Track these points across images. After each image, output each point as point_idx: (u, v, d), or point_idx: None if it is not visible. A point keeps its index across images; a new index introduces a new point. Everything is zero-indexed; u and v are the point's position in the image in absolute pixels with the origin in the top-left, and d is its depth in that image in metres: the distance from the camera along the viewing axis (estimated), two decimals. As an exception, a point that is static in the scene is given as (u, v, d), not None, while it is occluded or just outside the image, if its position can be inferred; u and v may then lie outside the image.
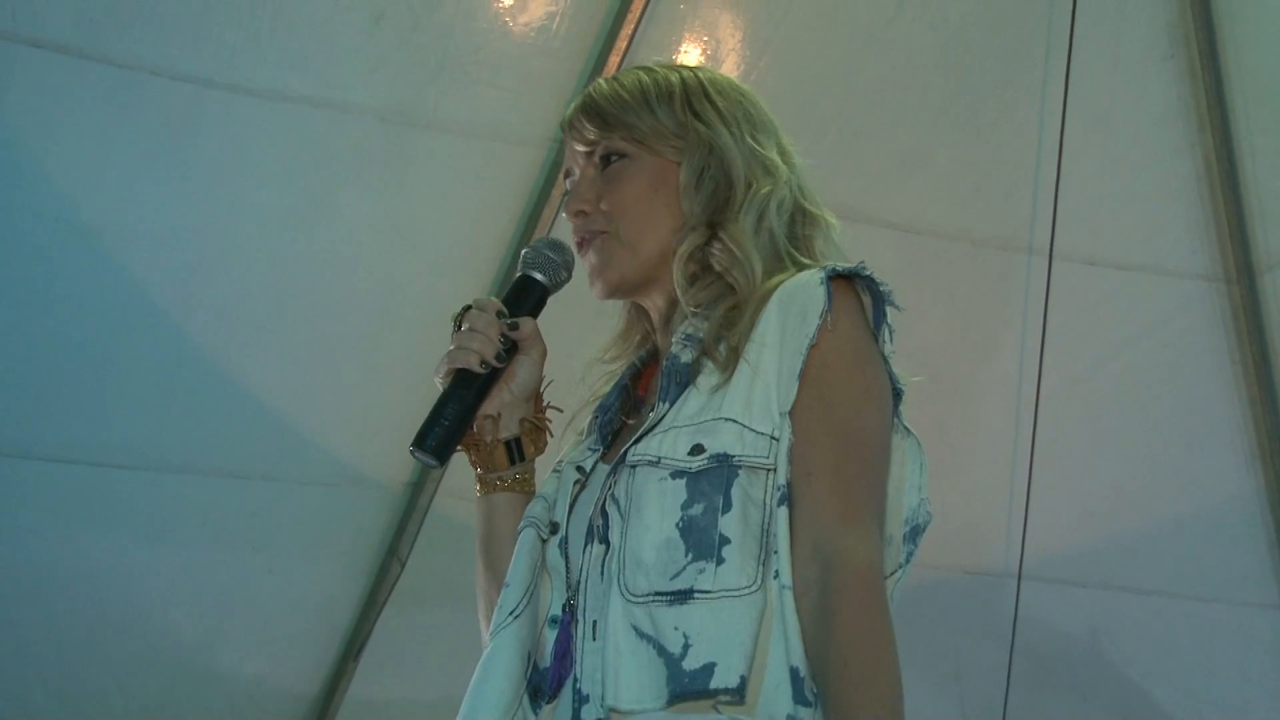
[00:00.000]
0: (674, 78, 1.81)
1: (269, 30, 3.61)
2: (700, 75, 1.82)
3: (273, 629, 4.49)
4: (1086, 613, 4.68)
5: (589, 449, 1.79)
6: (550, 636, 1.67)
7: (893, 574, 1.64)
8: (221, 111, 3.69)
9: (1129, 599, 4.65)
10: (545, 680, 1.66)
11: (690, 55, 3.96)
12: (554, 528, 1.73)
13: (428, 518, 4.38)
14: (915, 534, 1.67)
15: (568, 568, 1.69)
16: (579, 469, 1.76)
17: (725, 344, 1.66)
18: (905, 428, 1.69)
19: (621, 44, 3.85)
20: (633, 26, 3.84)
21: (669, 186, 1.77)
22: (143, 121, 3.66)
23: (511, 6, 3.75)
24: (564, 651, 1.65)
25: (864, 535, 1.54)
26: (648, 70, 1.83)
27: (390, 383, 4.13)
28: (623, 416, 1.82)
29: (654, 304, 1.82)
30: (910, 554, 1.67)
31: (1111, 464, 4.52)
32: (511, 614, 1.69)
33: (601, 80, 1.85)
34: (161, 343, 3.91)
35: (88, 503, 4.09)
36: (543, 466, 1.89)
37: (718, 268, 1.72)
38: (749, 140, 1.77)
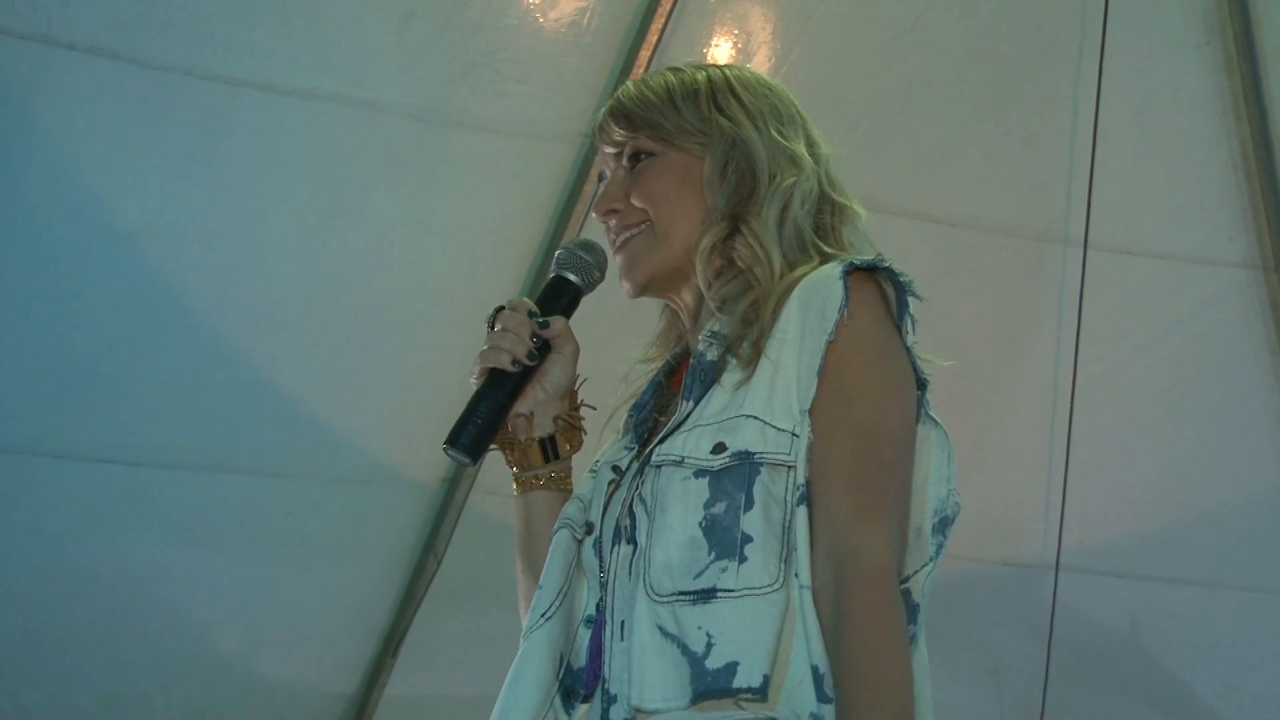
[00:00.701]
0: (700, 76, 1.81)
1: (300, 30, 3.63)
2: (727, 73, 1.82)
3: (311, 627, 4.51)
4: (1125, 604, 4.66)
5: (625, 448, 1.79)
6: (585, 636, 1.68)
7: (923, 568, 1.62)
8: (254, 112, 3.71)
9: (1168, 590, 4.63)
10: (579, 680, 1.67)
11: (721, 49, 3.96)
12: (589, 528, 1.73)
13: (464, 514, 4.39)
14: (944, 525, 1.65)
15: (601, 568, 1.69)
16: (614, 468, 1.76)
17: (747, 340, 1.66)
18: (932, 418, 1.67)
19: (652, 39, 3.85)
20: (663, 21, 3.84)
21: (694, 181, 1.77)
22: (177, 123, 3.68)
23: (541, 3, 3.75)
24: (597, 651, 1.65)
25: (878, 534, 1.53)
26: (675, 71, 1.84)
27: (424, 381, 4.14)
28: (656, 414, 1.81)
29: (683, 301, 1.81)
30: (940, 546, 1.64)
31: (1149, 455, 4.49)
32: (543, 616, 1.70)
33: (630, 83, 1.85)
34: (198, 344, 3.94)
35: (126, 503, 4.12)
36: (580, 466, 1.89)
37: (740, 263, 1.72)
38: (773, 133, 1.77)
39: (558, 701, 1.66)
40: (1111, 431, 4.42)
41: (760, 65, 3.93)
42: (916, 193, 4.16)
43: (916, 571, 1.61)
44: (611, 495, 1.73)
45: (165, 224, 3.78)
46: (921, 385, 1.66)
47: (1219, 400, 4.44)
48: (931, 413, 1.67)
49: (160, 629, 4.31)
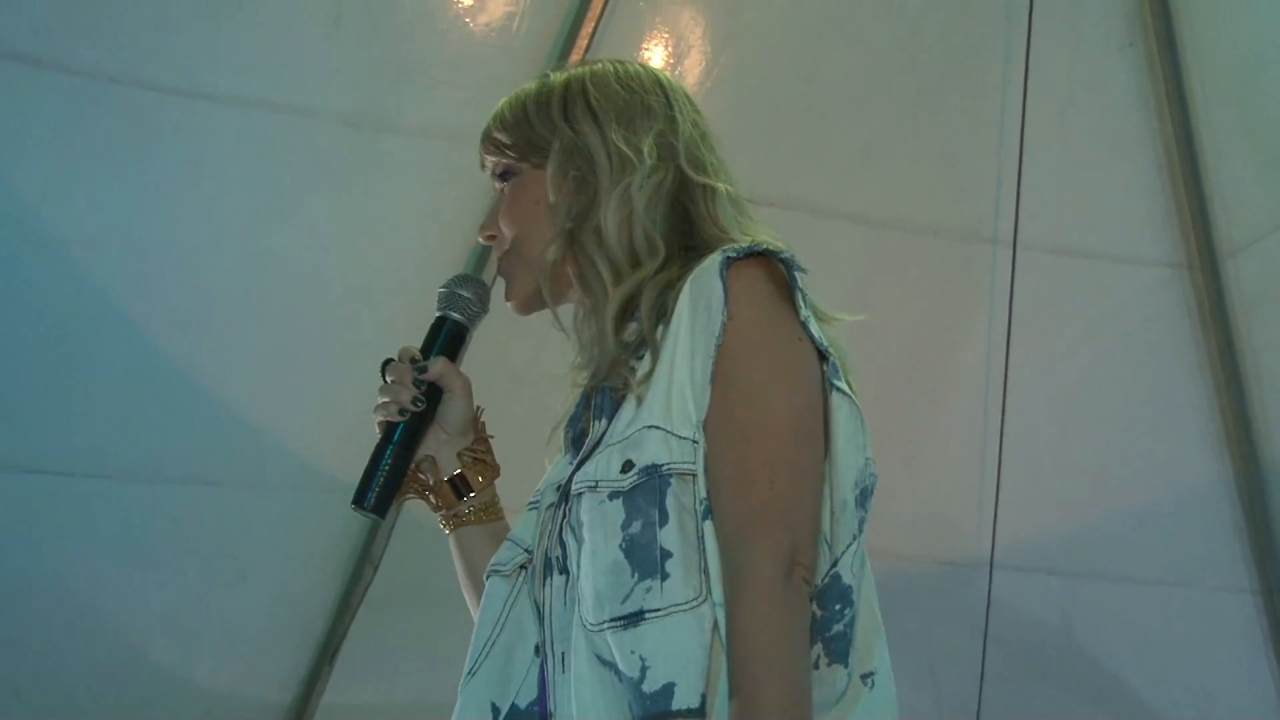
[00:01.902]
0: (560, 82, 1.78)
1: (228, 35, 3.62)
2: (587, 73, 1.78)
3: (246, 636, 4.47)
4: (1059, 601, 4.70)
5: (567, 464, 1.74)
6: (536, 668, 1.66)
7: (848, 547, 1.57)
8: (183, 118, 3.69)
9: (1101, 586, 4.67)
10: (530, 717, 1.66)
11: (652, 53, 3.97)
12: (532, 555, 1.72)
13: (399, 521, 4.37)
14: (864, 498, 1.60)
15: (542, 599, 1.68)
16: (559, 488, 1.71)
17: (620, 363, 1.63)
18: (840, 389, 1.60)
19: (582, 43, 3.86)
20: (593, 25, 3.85)
21: (545, 195, 1.75)
22: (104, 129, 3.65)
23: (471, 7, 3.75)
24: (544, 683, 1.65)
25: (766, 544, 1.49)
26: (543, 79, 1.81)
27: (359, 385, 4.04)
28: (585, 427, 1.78)
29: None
30: (862, 520, 1.60)
31: (1081, 452, 4.53)
32: (469, 673, 1.70)
33: (501, 100, 1.83)
34: (128, 350, 3.89)
35: (56, 512, 4.06)
36: (512, 489, 1.90)
37: (577, 283, 1.72)
38: (613, 134, 1.72)
39: None
40: (1043, 429, 4.46)
41: (692, 68, 3.95)
42: (847, 194, 4.19)
43: (844, 551, 1.56)
44: (553, 518, 1.70)
45: (94, 231, 3.74)
46: (824, 357, 1.60)
47: (1147, 397, 4.50)
48: (840, 384, 1.60)
49: (93, 639, 4.25)
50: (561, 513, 1.64)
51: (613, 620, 1.51)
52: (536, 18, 3.81)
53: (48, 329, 3.81)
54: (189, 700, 4.46)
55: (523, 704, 1.66)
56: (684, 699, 1.47)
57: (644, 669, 1.49)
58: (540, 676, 1.65)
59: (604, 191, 1.70)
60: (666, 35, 3.96)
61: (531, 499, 1.78)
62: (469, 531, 1.85)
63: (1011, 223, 4.15)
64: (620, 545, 1.53)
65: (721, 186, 1.73)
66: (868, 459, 1.61)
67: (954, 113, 4.19)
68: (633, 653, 1.50)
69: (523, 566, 1.72)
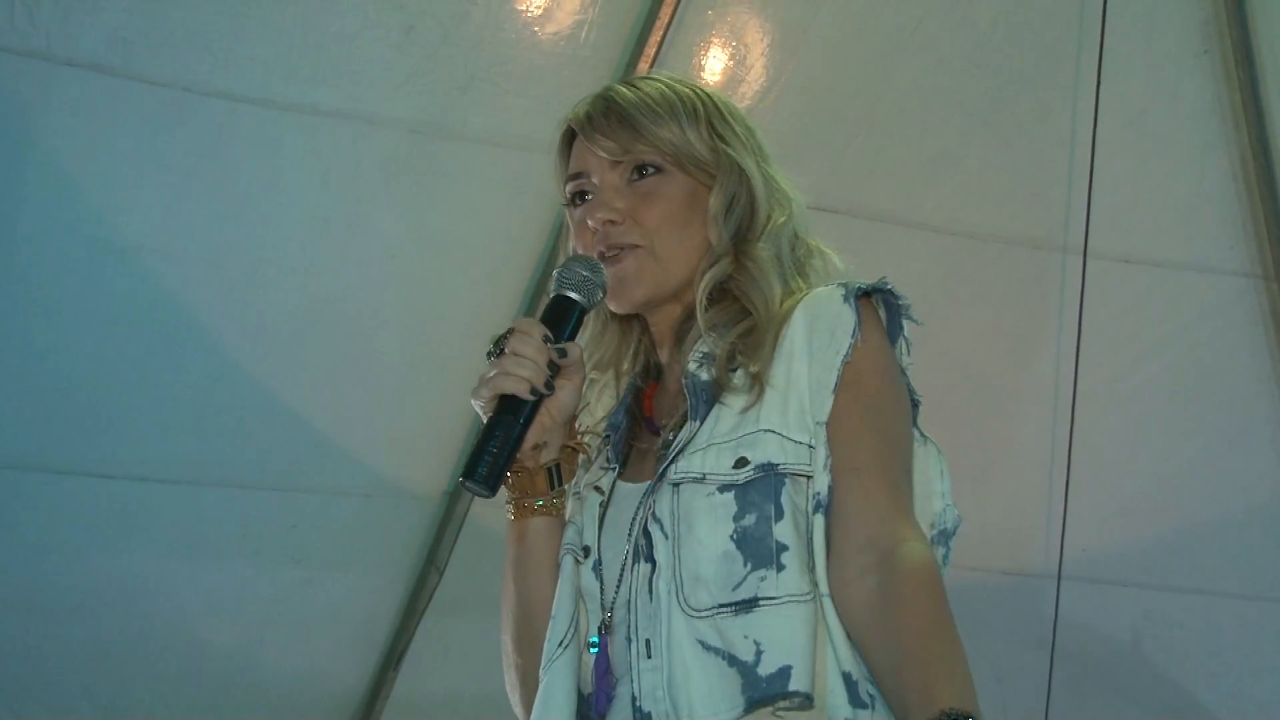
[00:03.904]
0: (695, 94, 1.81)
1: (299, 45, 3.64)
2: (716, 98, 1.83)
3: (313, 641, 4.51)
4: (1128, 613, 4.65)
5: (601, 468, 1.80)
6: (590, 659, 1.69)
7: None
8: (254, 127, 3.72)
9: (1170, 598, 4.62)
10: (589, 705, 1.68)
11: (718, 61, 3.96)
12: (586, 551, 1.74)
13: (465, 527, 4.40)
14: (945, 537, 1.68)
15: (602, 589, 1.70)
16: (597, 489, 1.77)
17: (743, 369, 1.67)
18: (923, 435, 1.72)
19: (650, 51, 3.85)
20: (661, 34, 3.84)
21: (700, 208, 1.77)
22: (176, 139, 3.69)
23: (539, 16, 3.76)
24: (604, 672, 1.67)
25: (918, 531, 1.58)
26: (666, 82, 1.82)
27: (425, 394, 4.14)
28: (628, 438, 1.82)
29: (666, 318, 1.81)
30: (944, 557, 1.68)
31: (1150, 463, 4.49)
32: (561, 645, 1.70)
33: (620, 85, 1.82)
34: (200, 359, 3.94)
35: (129, 518, 4.12)
36: None
37: (736, 292, 1.73)
38: (767, 168, 1.81)
39: None
40: (1113, 440, 4.41)
41: (757, 77, 3.94)
42: (915, 203, 4.17)
43: None
44: (604, 517, 1.74)
45: (167, 241, 3.79)
46: (915, 404, 1.71)
47: (1220, 408, 4.44)
48: (922, 430, 1.71)
49: (163, 643, 4.31)
50: (645, 504, 1.66)
51: (723, 606, 1.56)
52: (604, 27, 3.81)
53: (123, 336, 3.86)
54: (256, 703, 4.51)
55: (584, 692, 1.69)
56: (799, 682, 1.52)
57: (759, 653, 1.54)
58: (598, 666, 1.68)
59: (760, 220, 1.77)
60: (734, 44, 3.94)
61: (573, 490, 1.83)
62: (539, 522, 1.81)
63: (1082, 231, 4.11)
64: (731, 536, 1.59)
65: (828, 251, 1.83)
66: (947, 504, 1.70)
67: (1024, 121, 4.15)
68: (746, 637, 1.55)
69: (576, 560, 1.75)
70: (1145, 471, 4.50)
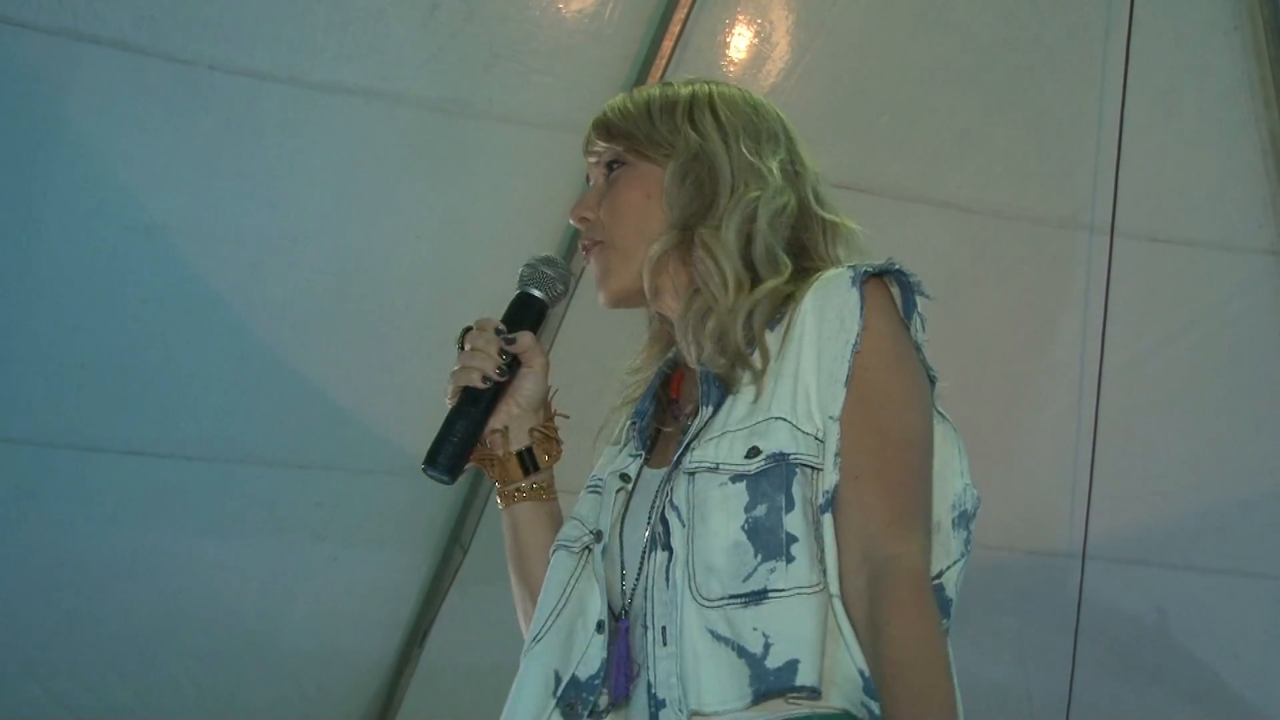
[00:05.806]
0: (684, 91, 1.83)
1: (324, 23, 3.64)
2: (714, 89, 1.84)
3: (339, 617, 4.53)
4: (1152, 593, 4.65)
5: (630, 455, 1.81)
6: (596, 643, 1.69)
7: (954, 564, 1.66)
8: (280, 105, 3.72)
9: (1195, 578, 4.61)
10: (588, 690, 1.68)
11: (743, 39, 3.95)
12: (598, 535, 1.75)
13: (489, 505, 4.41)
14: (965, 520, 1.68)
15: (623, 574, 1.71)
16: (623, 476, 1.78)
17: (739, 366, 1.68)
18: (940, 413, 1.70)
19: (674, 29, 3.84)
20: (685, 12, 3.83)
21: (659, 192, 1.79)
22: (202, 117, 3.69)
23: (564, -6, 3.76)
24: (622, 658, 1.67)
25: (912, 540, 1.57)
26: (666, 85, 1.86)
27: (450, 371, 4.14)
28: (655, 423, 1.83)
29: (669, 309, 1.82)
30: (967, 540, 1.67)
31: (1176, 443, 4.47)
32: (535, 639, 1.74)
33: (620, 95, 1.87)
34: (226, 337, 3.96)
35: (156, 496, 4.15)
36: (567, 475, 1.91)
37: (696, 279, 1.74)
38: (743, 148, 1.78)
39: (557, 716, 1.69)
40: (1138, 419, 4.40)
41: (782, 55, 3.92)
42: (941, 181, 4.15)
43: (949, 567, 1.65)
44: (627, 504, 1.75)
45: (192, 218, 3.80)
46: (931, 381, 1.69)
47: (1247, 387, 4.42)
48: (940, 408, 1.70)
49: (190, 621, 4.34)
50: (663, 491, 1.68)
51: (733, 597, 1.56)
52: (629, 5, 3.80)
53: (149, 315, 3.88)
54: (281, 680, 4.54)
55: (582, 676, 1.69)
56: (806, 676, 1.52)
57: (767, 645, 1.54)
58: (611, 651, 1.68)
59: (722, 199, 1.75)
60: (759, 22, 3.93)
61: (590, 483, 1.85)
62: (525, 508, 1.88)
63: (1109, 210, 4.09)
64: (743, 526, 1.58)
65: (850, 225, 1.80)
66: (966, 484, 1.69)
67: (1051, 99, 4.13)
68: (755, 629, 1.55)
69: (588, 547, 1.76)
70: (1171, 452, 4.48)
